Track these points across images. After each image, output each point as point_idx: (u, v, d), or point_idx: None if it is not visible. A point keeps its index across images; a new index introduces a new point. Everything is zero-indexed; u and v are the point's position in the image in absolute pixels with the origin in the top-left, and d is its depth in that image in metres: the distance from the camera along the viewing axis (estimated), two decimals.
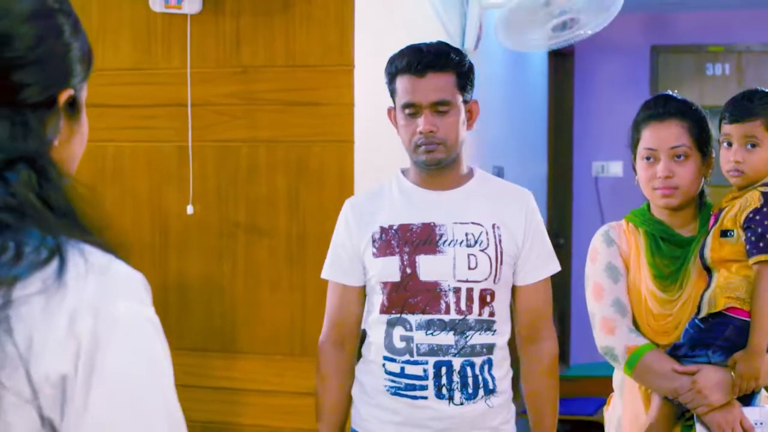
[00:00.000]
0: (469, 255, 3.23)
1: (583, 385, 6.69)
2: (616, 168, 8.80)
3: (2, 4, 1.43)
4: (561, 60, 8.86)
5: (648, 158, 3.31)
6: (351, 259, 3.35)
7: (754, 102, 3.23)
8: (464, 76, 3.25)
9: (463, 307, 3.22)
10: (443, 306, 3.21)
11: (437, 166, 3.27)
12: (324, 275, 3.43)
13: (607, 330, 3.31)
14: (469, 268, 3.22)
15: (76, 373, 1.35)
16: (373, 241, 3.29)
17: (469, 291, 3.23)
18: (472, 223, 3.27)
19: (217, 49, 4.29)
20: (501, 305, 3.29)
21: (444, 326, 3.21)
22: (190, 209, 4.26)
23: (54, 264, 1.36)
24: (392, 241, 3.26)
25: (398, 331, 3.25)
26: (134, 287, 1.48)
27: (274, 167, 4.23)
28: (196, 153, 4.29)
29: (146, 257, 4.36)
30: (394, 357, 3.26)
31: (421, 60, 3.21)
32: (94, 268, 1.41)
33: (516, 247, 3.29)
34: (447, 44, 3.31)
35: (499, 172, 6.35)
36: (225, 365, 4.30)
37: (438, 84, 3.21)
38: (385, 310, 3.27)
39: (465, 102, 3.27)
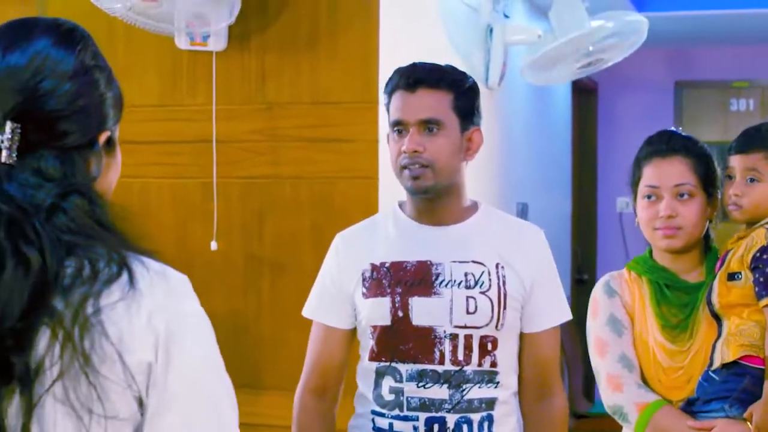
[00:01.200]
0: (468, 297, 2.89)
1: (609, 422, 6.67)
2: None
3: (48, 66, 1.71)
4: (585, 96, 8.87)
5: (649, 197, 3.12)
6: (338, 298, 3.04)
7: (760, 132, 3.12)
8: (463, 98, 2.94)
9: (460, 356, 2.88)
10: (437, 355, 2.87)
11: (426, 195, 2.93)
12: (306, 313, 3.16)
13: (614, 387, 3.09)
14: (468, 312, 2.88)
15: (156, 360, 1.67)
16: (363, 280, 2.98)
17: (468, 338, 2.88)
18: (473, 261, 2.93)
19: (242, 85, 4.31)
20: (506, 354, 2.94)
21: (437, 378, 2.87)
22: (214, 245, 4.27)
23: (125, 275, 1.67)
24: (383, 281, 2.93)
25: (387, 382, 2.92)
26: (189, 287, 1.80)
27: (299, 204, 4.24)
28: (220, 189, 4.30)
29: None
30: (383, 411, 2.93)
31: (413, 74, 2.93)
32: (156, 275, 1.73)
33: (523, 289, 2.94)
34: (452, 66, 3.03)
35: (524, 209, 6.34)
36: (249, 401, 4.29)
37: (428, 101, 2.90)
38: (374, 357, 2.95)
39: (464, 128, 2.95)
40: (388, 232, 3.04)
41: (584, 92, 8.79)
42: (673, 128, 3.31)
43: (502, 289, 2.92)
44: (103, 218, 1.73)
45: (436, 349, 2.88)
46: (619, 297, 3.19)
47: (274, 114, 4.27)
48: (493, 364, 2.92)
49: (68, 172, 1.72)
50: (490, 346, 2.91)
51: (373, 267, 2.97)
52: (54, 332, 1.60)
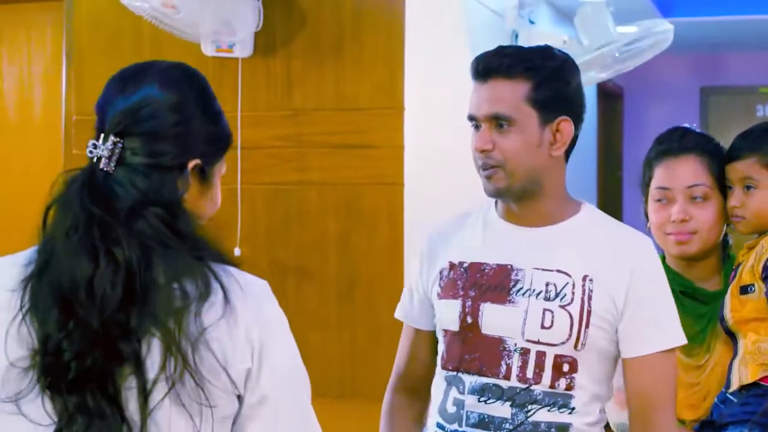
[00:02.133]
0: (544, 310, 2.56)
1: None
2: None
3: (152, 97, 2.02)
4: (610, 101, 8.85)
5: (660, 199, 2.88)
6: (422, 298, 2.78)
7: (750, 136, 2.88)
8: (543, 87, 2.56)
9: (528, 373, 2.55)
10: (503, 369, 2.57)
11: (502, 198, 2.64)
12: (396, 314, 2.90)
13: (621, 404, 2.75)
14: (543, 327, 2.55)
15: (253, 364, 1.93)
16: (440, 279, 2.71)
17: (540, 355, 2.55)
18: (558, 271, 2.58)
19: (268, 92, 4.31)
20: (589, 379, 2.57)
21: (500, 394, 2.56)
22: (237, 251, 4.27)
23: (219, 292, 1.93)
24: (458, 281, 2.66)
25: (453, 393, 2.64)
26: (268, 292, 2.11)
27: (324, 210, 4.24)
28: (245, 195, 4.31)
29: None
30: (445, 424, 2.67)
31: (484, 62, 2.59)
32: (243, 287, 2.02)
33: (614, 307, 2.55)
34: (542, 48, 2.66)
35: None
36: None
37: (498, 93, 2.56)
38: (444, 364, 2.68)
39: (546, 120, 2.57)
40: (475, 228, 2.73)
41: (610, 97, 8.77)
42: (686, 125, 3.05)
43: (586, 304, 2.55)
44: (183, 229, 1.97)
45: (503, 363, 2.58)
46: None
47: (299, 120, 4.27)
48: (569, 387, 2.56)
49: (155, 187, 1.95)
50: (566, 368, 2.56)
51: (451, 265, 2.69)
52: (168, 348, 1.83)
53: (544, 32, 5.61)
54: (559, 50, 2.67)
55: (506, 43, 5.34)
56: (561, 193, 2.70)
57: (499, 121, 2.55)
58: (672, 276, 2.81)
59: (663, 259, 2.89)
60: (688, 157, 2.88)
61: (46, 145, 5.22)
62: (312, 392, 4.62)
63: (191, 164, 2.05)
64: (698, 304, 2.90)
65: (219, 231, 2.09)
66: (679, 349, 2.68)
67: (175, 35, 4.19)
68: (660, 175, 2.90)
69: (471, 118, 2.61)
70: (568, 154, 2.67)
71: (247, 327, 1.96)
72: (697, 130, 2.99)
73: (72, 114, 4.52)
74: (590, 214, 2.73)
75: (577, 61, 2.75)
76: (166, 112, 2.01)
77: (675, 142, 2.91)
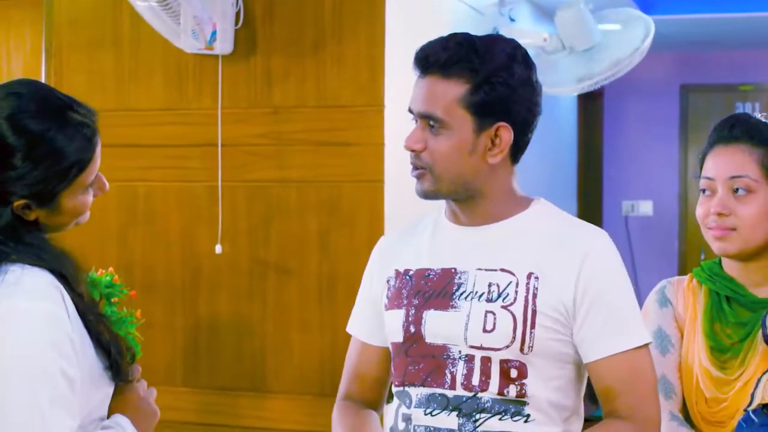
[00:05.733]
0: (486, 312, 2.35)
1: None
2: (646, 207, 8.78)
3: None
4: (590, 100, 8.86)
5: (704, 190, 2.61)
6: (373, 310, 2.59)
7: (735, 129, 2.63)
8: (483, 90, 2.34)
9: (474, 381, 2.35)
10: (448, 378, 2.38)
11: (429, 199, 2.45)
12: (347, 328, 2.74)
13: None
14: (485, 331, 2.35)
15: None
16: (388, 289, 2.53)
17: (485, 361, 2.36)
18: (501, 270, 2.38)
19: (248, 89, 4.31)
20: (545, 386, 2.37)
21: (446, 404, 2.37)
22: (218, 249, 4.27)
23: None
24: (403, 290, 2.47)
25: (401, 409, 2.45)
26: (32, 288, 2.11)
27: (305, 207, 4.24)
28: (226, 193, 4.30)
29: (177, 296, 4.37)
30: None
31: (425, 53, 2.37)
32: (10, 280, 2.08)
33: (563, 306, 2.35)
34: (494, 39, 2.43)
35: None
36: (255, 405, 4.29)
37: (433, 92, 2.35)
38: (393, 380, 2.51)
39: (482, 127, 2.35)
40: (424, 234, 2.54)
41: (589, 96, 8.77)
42: (746, 112, 2.73)
43: (530, 303, 2.35)
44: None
45: (447, 371, 2.38)
46: (671, 308, 2.69)
47: (280, 118, 4.27)
48: (521, 395, 2.35)
49: None
50: (514, 373, 2.35)
51: (397, 274, 2.52)
52: None
53: (524, 30, 5.62)
54: (513, 43, 2.43)
55: None
56: (504, 193, 2.46)
57: (430, 122, 2.36)
58: (720, 280, 2.63)
59: (720, 260, 2.67)
60: (735, 146, 2.58)
61: None
62: (293, 390, 4.61)
63: (17, 204, 2.14)
64: (742, 311, 2.60)
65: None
66: (711, 360, 2.55)
67: (160, 32, 4.17)
68: (708, 165, 2.62)
69: (410, 110, 2.42)
70: (516, 156, 2.45)
71: None
72: (756, 118, 2.65)
73: None
74: (540, 209, 2.48)
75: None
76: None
77: (725, 130, 2.61)
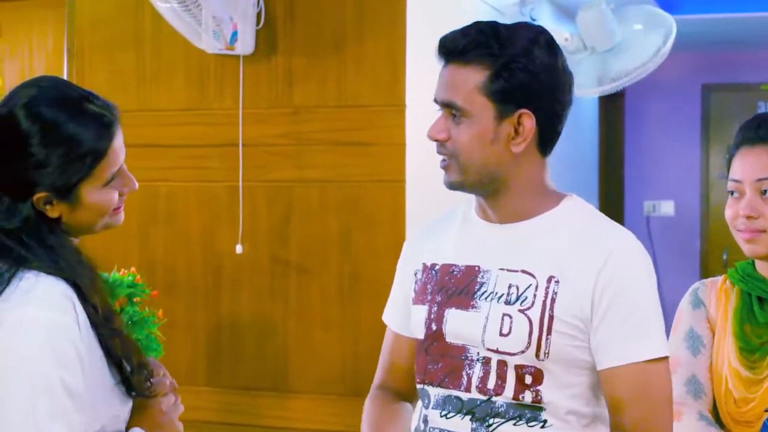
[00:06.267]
0: (504, 315, 2.28)
1: None
2: (667, 207, 8.75)
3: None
4: (611, 100, 8.84)
5: (733, 192, 2.59)
6: (404, 301, 2.52)
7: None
8: (504, 76, 2.27)
9: (489, 384, 2.29)
10: (464, 380, 2.32)
11: (457, 190, 2.38)
12: (383, 316, 2.65)
13: (674, 414, 2.42)
14: (501, 334, 2.28)
15: None
16: (415, 282, 2.49)
17: (501, 365, 2.29)
18: (522, 271, 2.30)
19: (269, 89, 4.31)
20: (561, 393, 2.28)
21: (460, 407, 2.32)
22: (239, 248, 4.27)
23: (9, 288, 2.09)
24: (428, 285, 2.42)
25: (421, 409, 2.42)
26: (45, 297, 2.10)
27: (326, 207, 4.24)
28: (247, 193, 4.31)
29: (198, 296, 4.38)
30: None
31: (445, 42, 2.32)
32: (25, 288, 2.08)
33: (581, 311, 2.25)
34: (517, 26, 2.35)
35: None
36: (277, 404, 4.30)
37: (453, 80, 2.30)
38: (416, 375, 2.46)
39: (504, 114, 2.28)
40: (453, 227, 2.48)
41: (611, 95, 8.74)
42: None
43: (548, 308, 2.26)
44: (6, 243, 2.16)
45: (464, 373, 2.32)
46: (704, 309, 2.67)
47: (300, 118, 4.27)
48: (537, 401, 2.27)
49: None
50: (529, 379, 2.27)
51: (424, 268, 2.46)
52: None
53: None
54: (537, 29, 2.35)
55: None
56: (532, 187, 2.38)
57: (452, 110, 2.29)
58: (753, 281, 2.60)
59: (754, 261, 2.63)
60: (761, 148, 2.56)
61: None
62: (314, 389, 4.61)
63: (37, 197, 2.16)
64: None
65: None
66: (740, 360, 2.53)
67: (181, 33, 4.18)
68: (734, 166, 2.59)
69: (435, 101, 2.35)
70: (546, 147, 2.38)
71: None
72: None
73: None
74: (571, 206, 2.41)
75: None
76: None
77: (751, 132, 2.59)
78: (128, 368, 2.20)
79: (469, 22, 2.34)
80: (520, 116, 2.27)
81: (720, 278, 2.68)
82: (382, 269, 3.90)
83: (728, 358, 2.56)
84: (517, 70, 2.25)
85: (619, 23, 5.24)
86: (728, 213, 2.59)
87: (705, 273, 8.04)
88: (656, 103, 9.05)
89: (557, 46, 2.34)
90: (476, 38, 2.28)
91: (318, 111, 4.26)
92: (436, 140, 2.32)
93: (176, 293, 4.39)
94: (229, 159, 4.33)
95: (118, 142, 2.21)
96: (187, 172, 4.42)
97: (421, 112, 4.20)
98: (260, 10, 4.22)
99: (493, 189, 2.34)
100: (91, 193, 2.19)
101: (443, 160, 2.33)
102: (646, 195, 8.92)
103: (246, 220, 4.30)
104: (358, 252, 4.18)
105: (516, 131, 2.29)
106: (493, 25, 2.31)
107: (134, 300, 3.64)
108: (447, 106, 2.30)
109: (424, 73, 4.31)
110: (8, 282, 2.09)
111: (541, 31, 2.33)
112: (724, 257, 8.06)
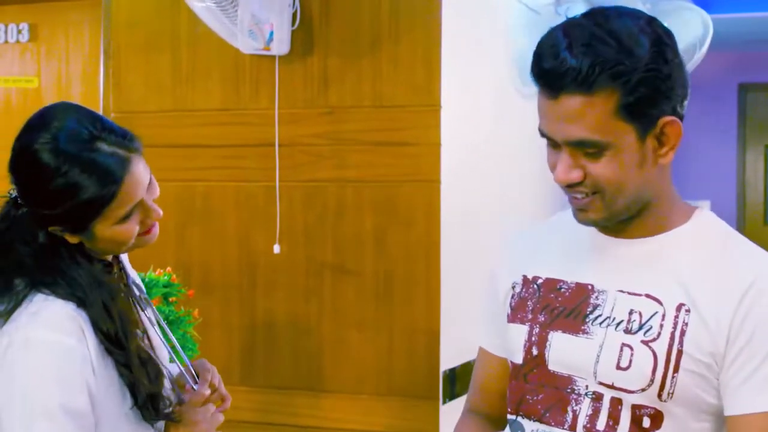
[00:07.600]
0: (623, 345, 1.98)
1: None
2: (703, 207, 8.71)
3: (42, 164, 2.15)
4: None
5: None
6: (495, 316, 2.26)
7: None
8: (638, 91, 1.92)
9: (599, 425, 2.00)
10: (569, 417, 2.04)
11: (592, 226, 2.09)
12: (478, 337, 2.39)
13: None
14: (618, 367, 1.98)
15: None
16: (512, 297, 2.20)
17: (615, 403, 1.99)
18: (647, 296, 2.00)
19: (305, 89, 4.31)
20: None
21: None
22: (276, 248, 4.28)
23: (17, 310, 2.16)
24: (529, 302, 2.14)
25: None
26: (45, 318, 2.14)
27: (362, 207, 4.24)
28: (283, 193, 4.31)
29: (234, 296, 4.39)
30: None
31: (552, 73, 1.93)
32: (31, 311, 2.13)
33: (714, 346, 1.94)
34: (622, 26, 1.94)
35: None
36: (311, 404, 4.30)
37: (577, 114, 1.93)
38: (508, 402, 2.19)
39: (647, 130, 1.97)
40: (559, 235, 2.20)
41: None
42: None
43: (676, 341, 1.96)
44: (25, 262, 2.20)
45: (569, 409, 2.04)
46: None
47: (336, 118, 4.27)
48: None
49: (20, 230, 2.25)
50: (647, 422, 1.97)
51: (525, 281, 2.19)
52: None
53: None
54: (643, 17, 1.99)
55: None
56: (668, 199, 2.11)
57: (585, 149, 1.97)
58: None
59: None
60: None
61: None
62: (349, 389, 4.62)
63: (51, 229, 2.19)
64: None
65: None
66: None
67: (217, 33, 4.19)
68: None
69: (543, 134, 2.03)
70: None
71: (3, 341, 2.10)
72: None
73: (110, 111, 4.53)
74: (703, 222, 2.12)
75: None
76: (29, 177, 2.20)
77: None
78: (144, 393, 2.19)
79: (560, 36, 1.97)
80: (664, 126, 2.00)
81: None
82: (418, 269, 3.90)
83: None
84: (653, 78, 1.94)
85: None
86: None
87: None
88: (692, 103, 8.92)
89: (667, 28, 2.02)
90: (594, 57, 1.91)
91: (353, 111, 4.26)
92: (570, 184, 2.01)
93: (212, 293, 4.41)
94: (266, 159, 4.34)
95: (133, 178, 2.17)
96: (223, 172, 4.44)
97: (456, 112, 4.20)
98: (296, 11, 4.23)
99: (636, 210, 2.06)
100: (106, 230, 2.19)
101: (582, 198, 2.02)
102: (683, 195, 8.68)
103: (282, 219, 4.31)
104: (393, 252, 4.18)
105: (659, 141, 2.02)
106: (595, 36, 1.93)
107: (170, 299, 3.66)
108: (578, 144, 1.97)
109: (459, 73, 4.31)
110: (20, 303, 2.11)
111: (650, 20, 2.00)
112: None
